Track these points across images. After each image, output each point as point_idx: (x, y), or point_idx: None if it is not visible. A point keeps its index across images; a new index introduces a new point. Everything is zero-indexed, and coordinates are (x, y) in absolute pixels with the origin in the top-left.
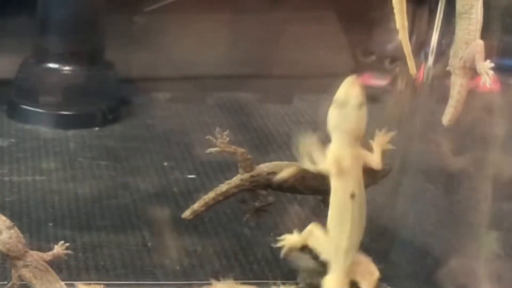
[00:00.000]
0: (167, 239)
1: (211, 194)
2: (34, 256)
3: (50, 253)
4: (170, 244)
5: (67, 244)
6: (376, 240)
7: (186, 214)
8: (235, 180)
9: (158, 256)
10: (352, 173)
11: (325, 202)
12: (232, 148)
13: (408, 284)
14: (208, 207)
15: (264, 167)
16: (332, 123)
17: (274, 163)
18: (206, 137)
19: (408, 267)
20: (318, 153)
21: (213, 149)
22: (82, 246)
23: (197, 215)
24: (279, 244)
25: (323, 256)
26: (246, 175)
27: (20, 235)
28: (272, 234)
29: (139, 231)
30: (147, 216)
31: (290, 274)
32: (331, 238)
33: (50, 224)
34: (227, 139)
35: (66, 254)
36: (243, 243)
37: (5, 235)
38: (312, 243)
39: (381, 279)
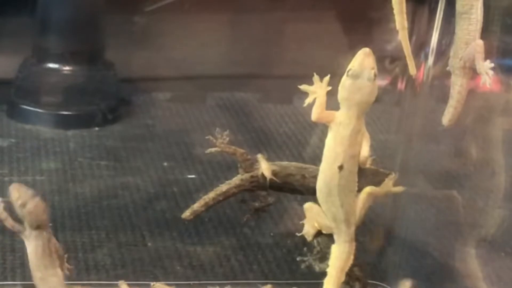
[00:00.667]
0: (167, 239)
1: (211, 194)
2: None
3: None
4: (170, 244)
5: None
6: (376, 240)
7: (186, 214)
8: (235, 180)
9: (158, 256)
10: (344, 143)
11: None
12: (232, 148)
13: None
14: (208, 207)
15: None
16: (343, 94)
17: (273, 163)
18: (206, 137)
19: (408, 267)
20: (323, 105)
21: (213, 149)
22: (82, 246)
23: (197, 215)
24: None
25: (327, 229)
26: (246, 176)
27: (44, 204)
28: (272, 234)
29: (139, 231)
30: (147, 216)
31: (290, 274)
32: (327, 211)
33: (50, 224)
34: (227, 139)
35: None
36: (243, 243)
37: (30, 205)
38: (315, 220)
39: (381, 279)
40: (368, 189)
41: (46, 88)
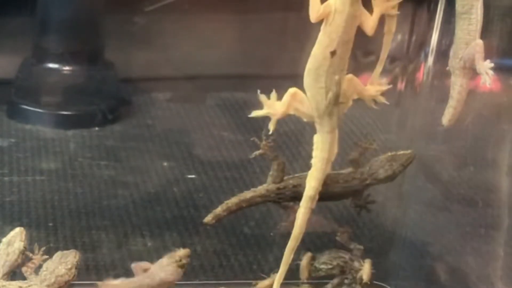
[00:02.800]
0: (167, 239)
1: (234, 200)
2: None
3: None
4: (170, 244)
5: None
6: (376, 240)
7: (208, 218)
8: (261, 189)
9: (158, 256)
10: (339, 30)
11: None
12: (273, 154)
13: (408, 284)
14: (230, 212)
15: (290, 180)
16: None
17: (298, 175)
18: (251, 139)
19: (408, 267)
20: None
21: (257, 152)
22: (82, 246)
23: (218, 220)
24: None
25: (307, 117)
26: (272, 186)
27: None
28: (272, 234)
29: (139, 231)
30: (147, 216)
31: (290, 274)
32: (311, 98)
33: (50, 224)
34: (272, 143)
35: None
36: (243, 243)
37: None
38: (296, 107)
39: (382, 280)
40: (349, 76)
41: (46, 88)
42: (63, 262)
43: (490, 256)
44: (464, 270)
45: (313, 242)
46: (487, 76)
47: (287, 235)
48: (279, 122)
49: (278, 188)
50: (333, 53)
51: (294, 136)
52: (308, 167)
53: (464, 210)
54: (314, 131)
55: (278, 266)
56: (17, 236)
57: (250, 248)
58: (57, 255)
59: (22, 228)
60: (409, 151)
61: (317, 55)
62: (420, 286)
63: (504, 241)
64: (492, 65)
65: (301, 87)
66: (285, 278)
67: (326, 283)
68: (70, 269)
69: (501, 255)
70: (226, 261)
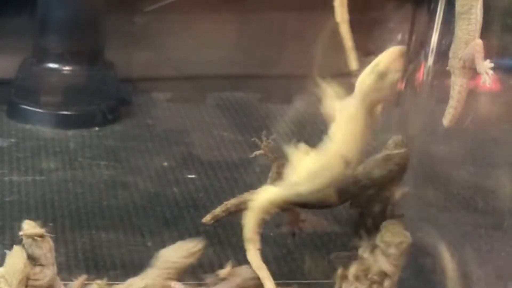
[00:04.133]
0: (167, 239)
1: (233, 201)
2: None
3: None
4: (170, 244)
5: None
6: None
7: (207, 218)
8: None
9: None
10: (351, 138)
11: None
12: (274, 155)
13: (408, 284)
14: (229, 213)
15: None
16: (362, 88)
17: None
18: (252, 139)
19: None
20: (331, 96)
21: (257, 152)
22: (82, 246)
23: (217, 220)
24: None
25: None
26: None
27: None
28: (272, 234)
29: (139, 231)
30: (147, 216)
31: (290, 274)
32: (297, 185)
33: (50, 224)
34: (272, 143)
35: None
36: (243, 243)
37: None
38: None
39: None
40: None
41: (46, 88)
42: (181, 250)
43: (490, 256)
44: (464, 270)
45: (313, 242)
46: (487, 76)
47: (287, 235)
48: (279, 122)
49: None
50: (347, 163)
51: (294, 137)
52: None
53: (464, 210)
54: (313, 131)
55: (278, 266)
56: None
57: None
58: (178, 243)
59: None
60: (403, 150)
61: (322, 155)
62: (420, 286)
63: (504, 241)
64: (492, 65)
65: (300, 87)
66: (278, 278)
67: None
68: (186, 256)
69: (501, 255)
70: (226, 261)
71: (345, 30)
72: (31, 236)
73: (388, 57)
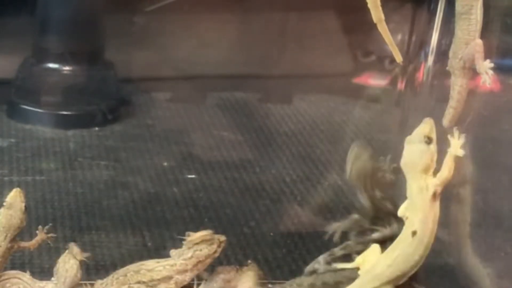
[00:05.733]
0: (167, 239)
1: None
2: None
3: (34, 241)
4: (170, 244)
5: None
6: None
7: None
8: None
9: (158, 256)
10: (418, 208)
11: None
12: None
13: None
14: None
15: None
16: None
17: None
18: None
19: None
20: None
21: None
22: (82, 246)
23: None
24: None
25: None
26: None
27: None
28: (272, 234)
29: (139, 231)
30: (147, 216)
31: (290, 274)
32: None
33: (50, 224)
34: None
35: (50, 238)
36: (243, 243)
37: None
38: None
39: None
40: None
41: (46, 88)
42: (207, 240)
43: (491, 256)
44: (464, 270)
45: (312, 243)
46: (487, 76)
47: (288, 235)
48: (279, 122)
49: None
50: (414, 233)
51: (294, 137)
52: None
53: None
54: (312, 131)
55: (278, 266)
56: (16, 198)
57: (250, 248)
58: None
59: (19, 189)
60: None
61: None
62: (420, 286)
63: (504, 241)
64: (492, 65)
65: (300, 87)
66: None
67: None
68: (211, 245)
69: (501, 255)
70: (226, 261)
71: (383, 29)
72: None
73: (428, 128)
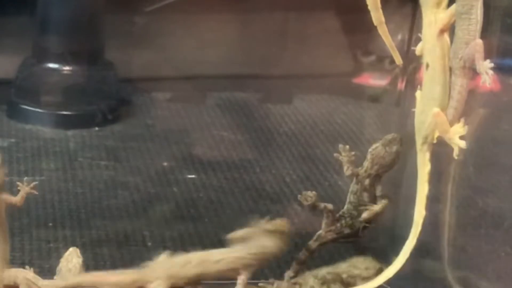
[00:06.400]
0: (167, 239)
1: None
2: None
3: (19, 196)
4: (170, 244)
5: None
6: (376, 240)
7: None
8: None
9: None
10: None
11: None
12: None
13: (408, 284)
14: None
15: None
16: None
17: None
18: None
19: (408, 267)
20: None
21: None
22: (82, 246)
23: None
24: None
25: None
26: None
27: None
28: None
29: (139, 231)
30: (147, 216)
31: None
32: None
33: (50, 224)
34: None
35: (33, 188)
36: None
37: None
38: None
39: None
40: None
41: (46, 88)
42: (271, 236)
43: (491, 256)
44: (464, 270)
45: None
46: (487, 76)
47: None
48: (279, 122)
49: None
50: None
51: (294, 137)
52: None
53: (464, 210)
54: (312, 131)
55: (278, 266)
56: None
57: None
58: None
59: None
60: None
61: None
62: (420, 286)
63: (504, 241)
64: (492, 65)
65: (300, 87)
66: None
67: None
68: (275, 242)
69: (501, 255)
70: None
71: (383, 31)
72: None
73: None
